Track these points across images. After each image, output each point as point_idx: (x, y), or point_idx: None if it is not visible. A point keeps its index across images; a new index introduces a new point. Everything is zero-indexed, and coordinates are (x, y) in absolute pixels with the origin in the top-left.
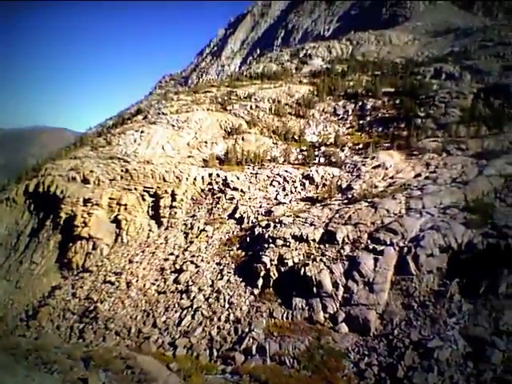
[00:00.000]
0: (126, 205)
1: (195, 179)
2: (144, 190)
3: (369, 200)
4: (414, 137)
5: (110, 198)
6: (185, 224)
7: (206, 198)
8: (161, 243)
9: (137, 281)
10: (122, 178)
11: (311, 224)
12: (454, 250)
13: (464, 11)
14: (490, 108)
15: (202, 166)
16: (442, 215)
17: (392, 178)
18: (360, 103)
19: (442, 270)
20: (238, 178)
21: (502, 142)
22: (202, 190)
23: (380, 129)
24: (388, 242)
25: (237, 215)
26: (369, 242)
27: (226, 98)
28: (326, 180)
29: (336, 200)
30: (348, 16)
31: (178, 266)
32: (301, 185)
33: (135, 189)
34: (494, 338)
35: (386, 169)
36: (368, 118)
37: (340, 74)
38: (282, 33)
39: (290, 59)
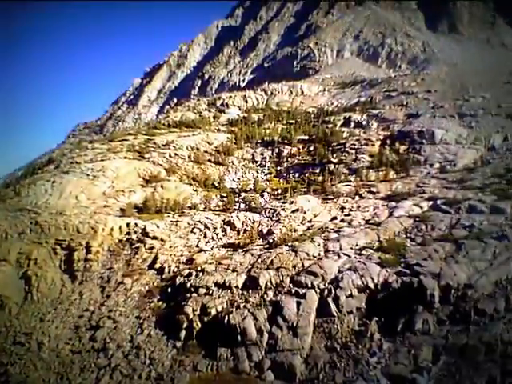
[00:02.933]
0: (36, 259)
1: (112, 229)
2: (56, 243)
3: (289, 244)
4: (329, 181)
5: (19, 253)
6: (101, 277)
7: (123, 249)
8: (75, 299)
9: (49, 341)
10: (31, 230)
11: (234, 270)
12: (372, 290)
13: (369, 64)
14: (396, 153)
15: (120, 216)
16: (359, 256)
17: (310, 221)
18: (277, 150)
19: (361, 309)
20: (157, 227)
21: (409, 185)
22: (120, 241)
23: (297, 174)
24: (309, 285)
25: (157, 265)
26: (291, 285)
27: (143, 146)
28: (247, 225)
29: (257, 245)
30: (262, 68)
31: (93, 323)
32: (222, 231)
33: (46, 242)
34: (414, 375)
35: (304, 213)
36: (285, 165)
37: (256, 122)
38: (198, 83)
39: (208, 108)
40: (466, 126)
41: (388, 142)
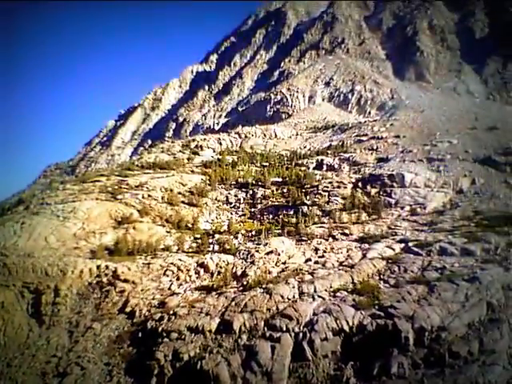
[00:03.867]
0: (3, 303)
1: (82, 272)
2: (23, 286)
3: (263, 286)
4: (303, 223)
5: None
6: (69, 322)
7: (93, 292)
8: (42, 344)
9: None
10: None
11: (207, 314)
12: (347, 333)
13: (340, 109)
14: (368, 196)
15: (90, 258)
16: (333, 298)
17: (284, 263)
18: (251, 192)
19: (336, 353)
20: (128, 269)
21: (381, 227)
22: (90, 284)
23: (271, 216)
24: (284, 329)
25: (127, 309)
26: (265, 329)
27: (116, 187)
28: (220, 267)
29: (231, 288)
30: (236, 111)
31: (61, 369)
32: (195, 273)
33: (14, 285)
34: None
35: (279, 254)
36: (259, 206)
37: (231, 164)
38: (173, 125)
39: (182, 150)
40: (434, 170)
41: (360, 184)
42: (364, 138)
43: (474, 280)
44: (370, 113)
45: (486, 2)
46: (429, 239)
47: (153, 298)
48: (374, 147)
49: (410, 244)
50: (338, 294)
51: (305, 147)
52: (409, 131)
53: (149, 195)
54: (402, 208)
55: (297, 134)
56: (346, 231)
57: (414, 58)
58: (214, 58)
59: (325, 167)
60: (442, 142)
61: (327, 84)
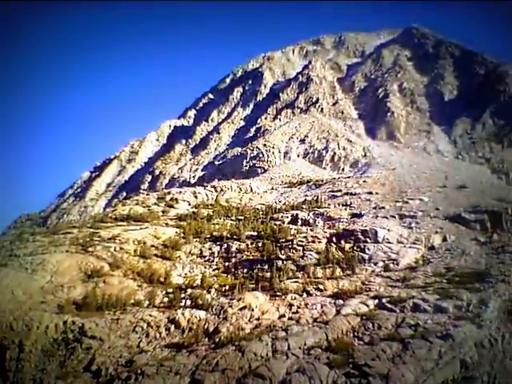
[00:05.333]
0: None
1: (47, 328)
2: None
3: (236, 343)
4: (277, 278)
5: None
6: (33, 379)
7: (58, 349)
8: None
9: None
10: None
11: (176, 373)
12: None
13: (314, 165)
14: (342, 251)
15: (57, 313)
16: (307, 356)
17: (258, 319)
18: (225, 245)
19: None
20: (96, 325)
21: (355, 283)
22: (55, 340)
23: (245, 270)
24: None
25: (93, 367)
26: None
27: (87, 239)
28: (192, 323)
29: (203, 345)
30: (212, 165)
31: None
32: (166, 330)
33: None
34: None
35: (252, 310)
36: (233, 260)
37: (206, 217)
38: (148, 178)
39: (157, 202)
40: (406, 226)
41: (334, 239)
42: (338, 194)
43: (447, 337)
44: (343, 169)
45: (455, 65)
46: (402, 295)
47: (120, 356)
48: (348, 203)
49: (384, 300)
50: (312, 351)
51: (280, 202)
52: (381, 188)
53: (121, 248)
54: (376, 264)
55: (272, 189)
56: (321, 286)
57: (385, 119)
58: (191, 113)
59: (300, 222)
60: (414, 199)
61: (302, 141)
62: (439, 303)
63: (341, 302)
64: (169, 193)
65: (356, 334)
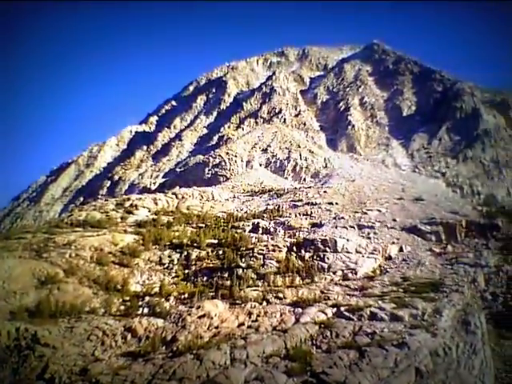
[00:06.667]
0: None
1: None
2: None
3: (194, 352)
4: (237, 286)
5: None
6: None
7: (11, 356)
8: None
9: None
10: None
11: (132, 382)
12: None
13: (276, 175)
14: (302, 260)
15: (9, 320)
16: (265, 365)
17: (217, 327)
18: (185, 253)
19: None
20: (49, 333)
21: (314, 291)
22: (8, 347)
23: (205, 278)
24: None
25: (47, 375)
26: None
27: (42, 244)
28: (149, 332)
29: (160, 353)
30: (174, 172)
31: None
32: (122, 338)
33: None
34: None
35: (211, 318)
36: (193, 268)
37: (166, 224)
38: (107, 183)
39: (116, 208)
40: (364, 236)
41: (294, 248)
42: (299, 204)
43: (402, 345)
44: (304, 179)
45: (414, 82)
46: (360, 304)
47: (74, 365)
48: (309, 212)
49: (342, 309)
50: (271, 359)
51: (241, 210)
52: (341, 199)
53: (77, 254)
54: (335, 273)
55: (234, 197)
56: (280, 295)
57: (346, 131)
58: (153, 119)
59: (260, 230)
60: (372, 210)
61: (265, 150)
62: (395, 312)
63: (300, 310)
64: (128, 199)
65: (314, 342)
